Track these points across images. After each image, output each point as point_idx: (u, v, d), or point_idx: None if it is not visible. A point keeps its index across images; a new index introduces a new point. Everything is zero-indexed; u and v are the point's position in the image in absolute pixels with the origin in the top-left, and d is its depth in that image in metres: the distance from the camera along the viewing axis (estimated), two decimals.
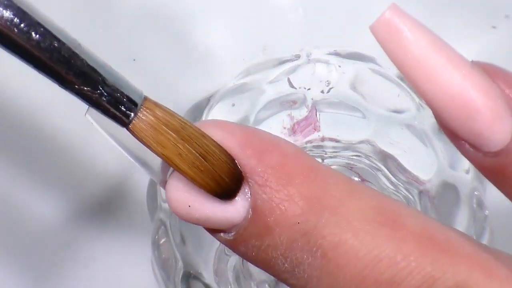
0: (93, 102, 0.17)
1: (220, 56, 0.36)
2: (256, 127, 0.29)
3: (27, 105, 0.34)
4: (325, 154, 0.30)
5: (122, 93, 0.17)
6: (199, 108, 0.32)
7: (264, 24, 0.36)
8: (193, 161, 0.18)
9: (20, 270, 0.33)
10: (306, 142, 0.30)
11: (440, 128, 0.20)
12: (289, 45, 0.35)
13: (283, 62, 0.31)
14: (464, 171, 0.30)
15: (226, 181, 0.18)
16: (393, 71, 0.32)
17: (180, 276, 0.29)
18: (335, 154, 0.30)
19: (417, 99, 0.30)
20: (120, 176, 0.34)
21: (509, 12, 0.36)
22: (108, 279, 0.33)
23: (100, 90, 0.17)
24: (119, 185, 0.34)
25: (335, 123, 0.30)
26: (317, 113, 0.30)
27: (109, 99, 0.17)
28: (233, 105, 0.31)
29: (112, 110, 0.17)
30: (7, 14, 0.16)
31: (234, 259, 0.30)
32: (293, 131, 0.30)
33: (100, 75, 0.17)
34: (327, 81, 0.30)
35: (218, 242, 0.29)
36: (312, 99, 0.30)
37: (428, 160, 0.29)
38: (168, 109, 0.18)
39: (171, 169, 0.19)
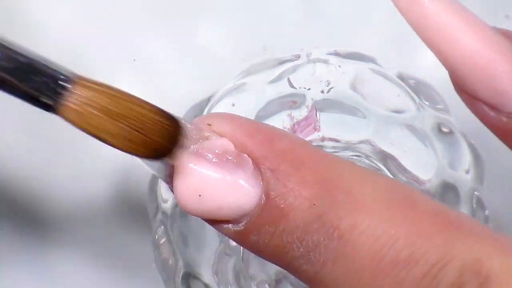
0: (13, 90, 0.16)
1: (220, 56, 0.36)
2: None
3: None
4: None
5: (46, 77, 0.17)
6: (199, 108, 0.32)
7: (264, 24, 0.36)
8: (125, 136, 0.18)
9: (20, 270, 0.33)
10: None
11: (458, 92, 0.20)
12: (289, 45, 0.35)
13: (283, 62, 0.31)
14: (464, 171, 0.30)
15: (162, 143, 0.18)
16: (393, 71, 0.32)
17: (180, 277, 0.29)
18: (335, 154, 0.30)
19: (417, 99, 0.30)
20: (120, 176, 0.34)
21: (509, 12, 0.36)
22: (108, 279, 0.33)
23: (19, 76, 0.16)
24: (119, 185, 0.34)
25: (335, 123, 0.30)
26: (317, 113, 0.30)
27: (32, 85, 0.16)
28: (233, 105, 0.31)
29: (36, 96, 0.17)
30: None
31: (234, 259, 0.30)
32: (293, 131, 0.30)
33: (17, 60, 0.16)
34: (327, 81, 0.30)
35: (218, 242, 0.29)
36: (312, 99, 0.30)
37: (428, 160, 0.29)
38: (97, 83, 0.18)
39: (175, 164, 0.19)
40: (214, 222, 0.19)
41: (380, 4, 0.36)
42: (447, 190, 0.30)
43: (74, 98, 0.17)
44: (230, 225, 0.19)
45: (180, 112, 0.19)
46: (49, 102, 0.17)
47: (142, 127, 0.18)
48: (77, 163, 0.34)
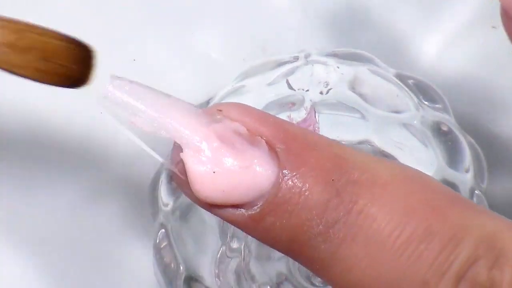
0: None
1: (219, 58, 0.36)
2: None
3: (26, 106, 0.34)
4: None
5: None
6: None
7: (263, 26, 0.36)
8: (35, 66, 0.18)
9: (20, 267, 0.33)
10: None
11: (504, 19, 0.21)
12: (289, 46, 0.35)
13: (281, 64, 0.31)
14: (464, 170, 0.30)
15: (75, 68, 0.18)
16: (391, 71, 0.32)
17: (182, 280, 0.29)
18: None
19: (416, 99, 0.30)
20: (121, 180, 0.34)
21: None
22: (109, 283, 0.33)
23: None
24: (120, 187, 0.34)
25: (334, 124, 0.30)
26: (316, 114, 0.30)
27: None
28: None
29: None
30: None
31: (235, 262, 0.30)
32: None
33: None
34: (326, 82, 0.30)
35: (220, 245, 0.29)
36: (311, 100, 0.30)
37: (428, 160, 0.29)
38: (4, 19, 0.18)
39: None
40: (225, 208, 0.19)
41: (378, 6, 0.36)
42: None
43: None
44: (243, 210, 0.19)
45: None
46: None
47: (52, 56, 0.18)
48: (77, 164, 0.34)
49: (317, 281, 0.29)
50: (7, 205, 0.34)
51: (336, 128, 0.30)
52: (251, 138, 0.19)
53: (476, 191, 0.30)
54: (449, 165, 0.30)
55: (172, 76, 0.36)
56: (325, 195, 0.18)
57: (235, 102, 0.20)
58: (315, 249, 0.18)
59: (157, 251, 0.30)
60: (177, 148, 0.19)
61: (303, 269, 0.29)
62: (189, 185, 0.19)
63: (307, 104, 0.30)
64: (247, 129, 0.19)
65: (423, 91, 0.31)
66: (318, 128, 0.30)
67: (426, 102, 0.31)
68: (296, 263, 0.29)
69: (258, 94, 0.30)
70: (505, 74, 0.36)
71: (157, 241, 0.30)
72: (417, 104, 0.30)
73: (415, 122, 0.30)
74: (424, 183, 0.19)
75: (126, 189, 0.34)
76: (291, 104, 0.30)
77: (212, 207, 0.19)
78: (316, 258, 0.18)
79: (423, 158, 0.29)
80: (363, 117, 0.30)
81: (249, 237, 0.29)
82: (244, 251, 0.29)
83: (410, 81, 0.31)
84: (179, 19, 0.36)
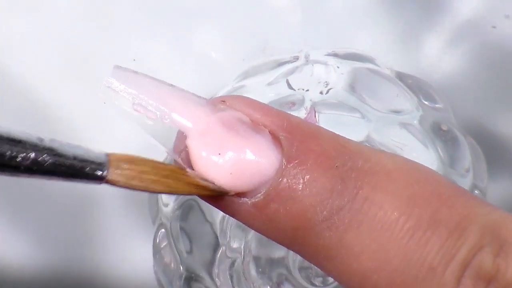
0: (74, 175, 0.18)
1: (219, 57, 0.36)
2: None
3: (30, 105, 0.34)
4: None
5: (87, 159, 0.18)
6: None
7: (263, 26, 0.36)
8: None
9: (20, 266, 0.33)
10: None
11: None
12: (288, 46, 0.35)
13: (281, 63, 0.31)
14: (464, 170, 0.30)
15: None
16: (391, 71, 0.32)
17: (182, 280, 0.29)
18: None
19: (416, 99, 0.30)
20: None
21: (509, 12, 0.36)
22: (109, 283, 0.33)
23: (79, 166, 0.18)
24: (119, 189, 0.34)
25: (334, 124, 0.30)
26: (316, 114, 0.30)
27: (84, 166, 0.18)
28: None
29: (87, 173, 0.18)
30: None
31: (235, 262, 0.30)
32: None
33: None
34: (326, 82, 0.30)
35: (220, 245, 0.29)
36: (311, 100, 0.30)
37: (427, 160, 0.29)
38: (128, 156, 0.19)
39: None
40: (228, 198, 0.19)
41: (377, 5, 0.36)
42: None
43: (121, 167, 0.18)
44: (246, 199, 0.19)
45: None
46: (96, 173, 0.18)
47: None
48: None
49: (317, 281, 0.29)
50: (7, 204, 0.34)
51: (336, 128, 0.30)
52: (255, 127, 0.19)
53: (476, 191, 0.30)
54: (449, 165, 0.30)
55: (172, 76, 0.36)
56: (329, 182, 0.18)
57: (239, 95, 0.20)
58: (320, 236, 0.18)
59: (157, 251, 0.30)
60: (181, 137, 0.19)
61: (303, 269, 0.29)
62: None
63: (307, 104, 0.30)
64: (251, 120, 0.19)
65: (423, 91, 0.31)
66: None
67: (426, 102, 0.31)
68: (296, 263, 0.29)
69: (258, 94, 0.30)
70: (504, 74, 0.36)
71: (157, 241, 0.30)
72: (417, 104, 0.30)
73: (415, 122, 0.30)
74: (428, 174, 0.19)
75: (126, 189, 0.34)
76: (291, 104, 0.30)
77: (215, 199, 0.19)
78: (321, 246, 0.18)
79: (423, 158, 0.29)
80: (363, 117, 0.30)
81: (249, 237, 0.29)
82: (244, 251, 0.29)
83: (410, 81, 0.31)
84: (179, 19, 0.36)
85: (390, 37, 0.36)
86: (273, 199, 0.18)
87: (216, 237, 0.30)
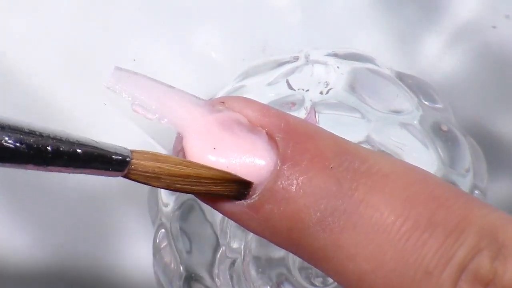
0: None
1: (219, 58, 0.36)
2: None
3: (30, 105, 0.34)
4: None
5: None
6: None
7: (263, 26, 0.36)
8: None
9: (20, 264, 0.33)
10: None
11: None
12: (288, 46, 0.35)
13: (281, 64, 0.31)
14: (464, 170, 0.30)
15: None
16: (391, 71, 0.32)
17: (182, 280, 0.29)
18: None
19: (416, 99, 0.30)
20: (121, 179, 0.34)
21: (509, 12, 0.36)
22: (109, 283, 0.33)
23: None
24: (121, 188, 0.34)
25: (334, 124, 0.30)
26: (316, 114, 0.30)
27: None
28: None
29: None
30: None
31: (235, 262, 0.30)
32: None
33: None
34: (326, 82, 0.30)
35: (220, 245, 0.29)
36: (311, 100, 0.30)
37: (428, 159, 0.29)
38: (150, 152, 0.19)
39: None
40: (224, 201, 0.19)
41: (377, 5, 0.36)
42: None
43: (143, 160, 0.19)
44: (243, 201, 0.19)
45: None
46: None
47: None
48: None
49: (317, 281, 0.29)
50: (7, 204, 0.34)
51: (336, 128, 0.30)
52: (251, 127, 0.19)
53: (476, 191, 0.30)
54: (449, 165, 0.30)
55: (172, 76, 0.36)
56: (324, 183, 0.18)
57: (238, 96, 0.20)
58: (315, 237, 0.18)
59: (157, 251, 0.30)
60: (179, 138, 0.19)
61: (303, 269, 0.29)
62: None
63: (307, 104, 0.30)
64: (249, 121, 0.19)
65: (423, 91, 0.31)
66: None
67: (426, 102, 0.31)
68: (296, 263, 0.29)
69: (258, 94, 0.30)
70: (504, 74, 0.36)
71: (157, 241, 0.30)
72: (417, 104, 0.30)
73: (415, 122, 0.30)
74: (425, 176, 0.19)
75: (126, 189, 0.34)
76: (291, 104, 0.30)
77: (213, 200, 0.19)
78: (317, 247, 0.18)
79: (423, 158, 0.29)
80: (363, 117, 0.30)
81: (249, 237, 0.29)
82: (244, 251, 0.29)
83: (410, 81, 0.31)
84: (179, 19, 0.36)
85: (390, 37, 0.36)
86: (268, 200, 0.18)
87: (216, 237, 0.30)
